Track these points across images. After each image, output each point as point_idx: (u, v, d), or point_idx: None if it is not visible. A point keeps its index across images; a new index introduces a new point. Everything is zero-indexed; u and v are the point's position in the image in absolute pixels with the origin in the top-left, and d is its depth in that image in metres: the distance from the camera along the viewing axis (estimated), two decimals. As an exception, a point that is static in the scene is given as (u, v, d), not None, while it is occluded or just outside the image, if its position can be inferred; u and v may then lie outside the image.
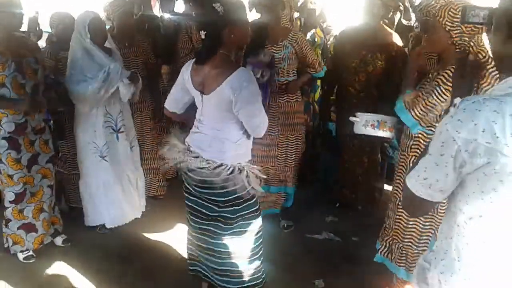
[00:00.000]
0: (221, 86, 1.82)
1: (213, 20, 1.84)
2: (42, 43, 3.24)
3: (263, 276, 2.13)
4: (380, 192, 3.54)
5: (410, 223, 2.20)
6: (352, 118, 2.54)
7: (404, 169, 2.24)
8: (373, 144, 3.36)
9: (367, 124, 2.46)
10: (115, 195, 3.02)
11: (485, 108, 0.87)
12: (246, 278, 2.06)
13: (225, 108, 1.86)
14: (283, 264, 2.69)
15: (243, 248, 2.04)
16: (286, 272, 2.63)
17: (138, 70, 3.25)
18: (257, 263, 2.09)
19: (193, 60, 1.98)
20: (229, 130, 1.93)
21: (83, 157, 3.02)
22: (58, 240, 2.94)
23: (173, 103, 2.12)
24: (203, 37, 1.87)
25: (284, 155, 3.08)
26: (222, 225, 2.01)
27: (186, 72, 1.98)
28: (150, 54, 3.47)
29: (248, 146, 2.03)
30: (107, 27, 4.56)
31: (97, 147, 2.94)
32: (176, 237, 2.97)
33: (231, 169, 1.91)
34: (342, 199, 3.56)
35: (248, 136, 1.99)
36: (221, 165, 1.91)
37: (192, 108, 2.08)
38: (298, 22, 4.14)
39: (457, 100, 0.94)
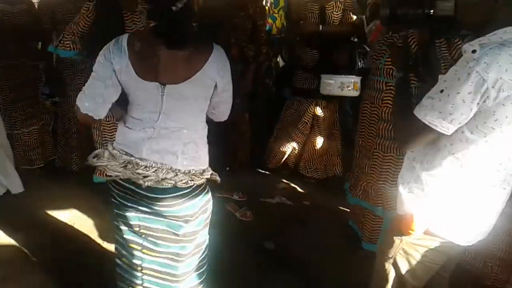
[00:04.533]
0: (203, 68, 1.41)
1: None
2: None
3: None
4: (246, 153, 3.41)
5: (384, 166, 2.38)
6: (325, 81, 2.61)
7: (375, 119, 2.36)
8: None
9: (343, 87, 2.57)
10: None
11: (503, 52, 1.09)
12: None
13: (205, 96, 1.48)
14: (234, 230, 2.67)
15: (198, 263, 1.69)
16: (236, 237, 2.59)
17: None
18: (203, 274, 1.76)
19: (125, 38, 1.39)
20: (196, 125, 1.51)
21: None
22: None
23: (101, 107, 1.42)
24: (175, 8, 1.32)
25: None
26: (188, 244, 1.58)
27: (117, 58, 1.37)
28: None
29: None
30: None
31: None
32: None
33: (208, 174, 1.56)
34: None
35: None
36: (203, 171, 1.55)
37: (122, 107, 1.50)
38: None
39: (467, 47, 1.11)
